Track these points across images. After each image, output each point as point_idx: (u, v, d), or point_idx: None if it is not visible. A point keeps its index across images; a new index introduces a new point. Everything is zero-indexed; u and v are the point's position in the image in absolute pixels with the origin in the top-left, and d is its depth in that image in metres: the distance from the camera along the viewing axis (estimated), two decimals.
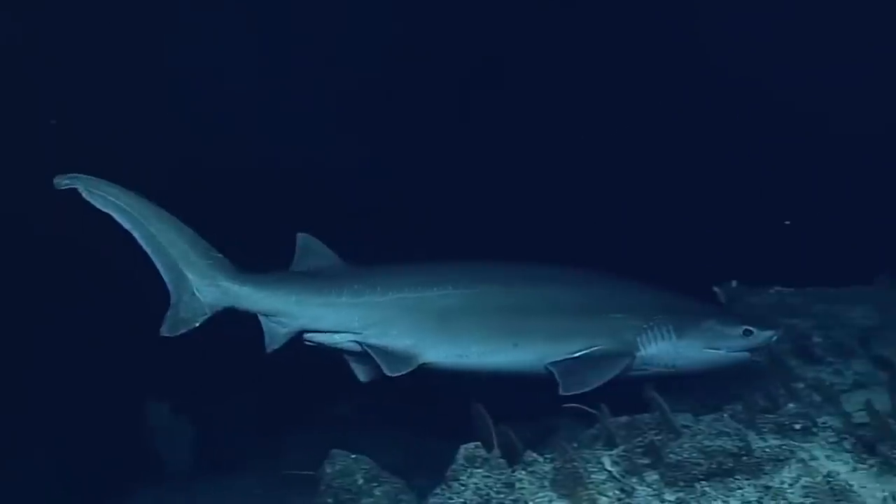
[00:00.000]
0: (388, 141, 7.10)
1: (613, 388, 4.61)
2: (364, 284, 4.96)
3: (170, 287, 4.91)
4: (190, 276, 4.87)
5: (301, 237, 5.16)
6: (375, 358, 4.84)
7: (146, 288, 5.02)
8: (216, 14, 6.90)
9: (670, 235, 6.70)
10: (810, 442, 3.80)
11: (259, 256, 5.09)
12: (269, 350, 4.94)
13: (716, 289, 5.75)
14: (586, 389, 4.51)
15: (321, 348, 5.05)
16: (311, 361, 5.19)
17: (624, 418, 4.06)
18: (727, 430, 3.74)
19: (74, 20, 6.68)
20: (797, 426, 3.87)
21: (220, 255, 4.94)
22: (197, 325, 4.84)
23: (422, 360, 4.85)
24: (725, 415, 4.05)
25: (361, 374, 5.11)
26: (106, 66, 6.70)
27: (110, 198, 4.81)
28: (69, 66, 6.65)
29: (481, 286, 4.99)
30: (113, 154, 5.88)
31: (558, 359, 4.76)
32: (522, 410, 4.88)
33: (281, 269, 5.13)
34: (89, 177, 4.81)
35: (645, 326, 4.80)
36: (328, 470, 4.23)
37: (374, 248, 5.28)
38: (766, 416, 4.00)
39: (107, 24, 6.72)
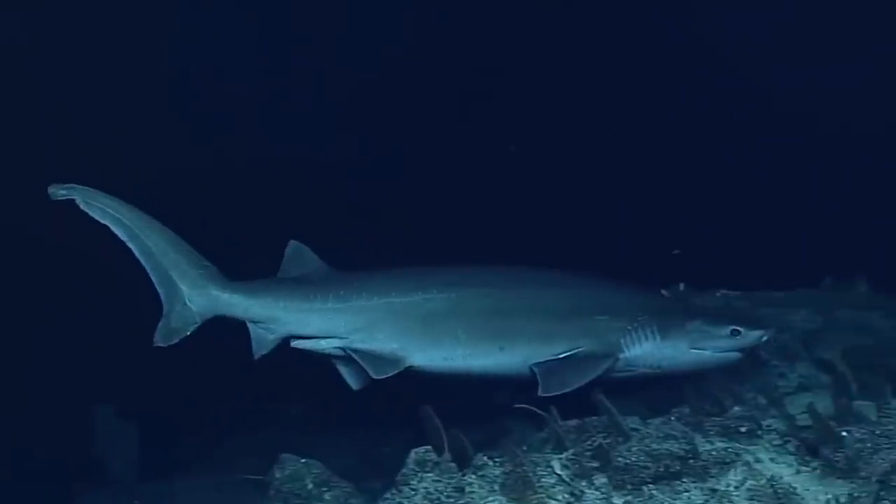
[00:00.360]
0: (387, 141, 7.08)
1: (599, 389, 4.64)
2: (350, 290, 5.04)
3: (162, 298, 4.99)
4: (182, 286, 4.95)
5: (291, 245, 5.23)
6: (360, 362, 4.90)
7: (90, 292, 4.96)
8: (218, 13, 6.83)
9: (620, 239, 6.75)
10: (755, 445, 3.86)
11: (265, 257, 5.22)
12: (256, 356, 5.02)
13: (663, 292, 5.79)
14: (567, 390, 4.56)
15: (308, 353, 5.10)
16: (265, 363, 5.16)
17: (574, 421, 4.08)
18: (674, 433, 3.79)
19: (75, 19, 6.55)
20: (743, 429, 3.93)
21: (209, 265, 5.02)
22: (188, 333, 4.93)
23: (408, 364, 4.91)
24: (673, 418, 4.10)
25: (353, 381, 5.17)
26: (106, 66, 6.59)
27: (108, 210, 4.87)
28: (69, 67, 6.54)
29: (466, 290, 5.04)
30: (115, 155, 5.86)
31: (542, 360, 4.81)
32: (475, 413, 4.91)
33: (268, 277, 5.19)
34: (87, 188, 4.85)
35: (629, 328, 4.84)
36: (277, 475, 4.22)
37: (376, 250, 5.38)
38: (713, 418, 4.05)
39: (106, 23, 6.61)
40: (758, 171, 7.14)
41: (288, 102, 6.97)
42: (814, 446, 3.75)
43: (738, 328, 4.79)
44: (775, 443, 3.85)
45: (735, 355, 4.89)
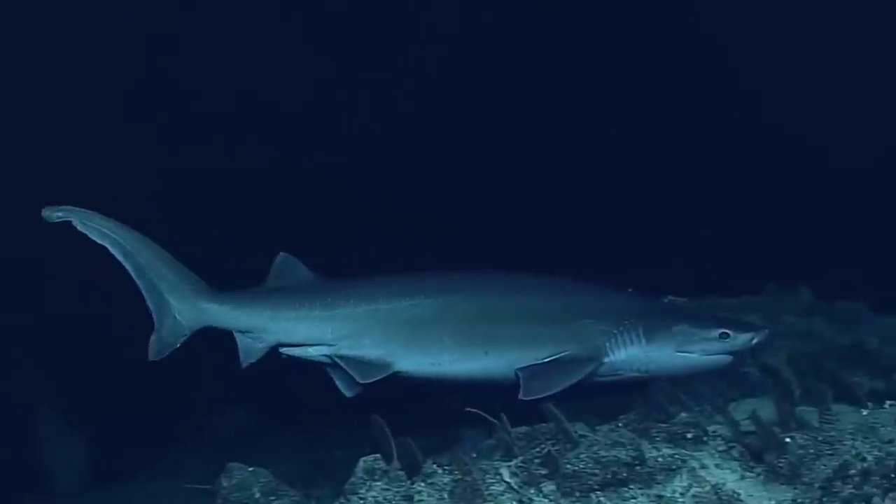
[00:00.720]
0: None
1: (586, 394, 4.78)
2: (336, 297, 5.09)
3: (154, 314, 5.05)
4: (171, 300, 5.02)
5: (280, 256, 5.28)
6: (346, 368, 4.95)
7: (36, 297, 4.88)
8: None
9: (569, 243, 6.79)
10: (701, 451, 3.89)
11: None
12: (244, 365, 5.07)
13: (666, 298, 5.82)
14: (548, 394, 4.57)
15: (297, 361, 5.15)
16: (215, 371, 5.12)
17: (523, 428, 4.09)
18: (622, 440, 3.81)
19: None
20: (689, 435, 3.97)
21: (197, 278, 5.10)
22: (178, 345, 5.01)
23: (394, 369, 4.95)
24: (620, 424, 4.13)
25: (346, 388, 5.16)
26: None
27: (105, 231, 4.93)
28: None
29: (452, 295, 5.08)
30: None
31: (526, 364, 4.84)
32: (428, 419, 4.91)
33: (255, 287, 5.26)
34: (83, 209, 4.89)
35: (614, 331, 4.85)
36: (224, 483, 4.15)
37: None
38: (660, 425, 4.09)
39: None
40: (706, 178, 7.22)
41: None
42: (758, 452, 3.80)
43: (727, 331, 4.80)
44: (720, 449, 3.89)
45: (725, 358, 4.89)
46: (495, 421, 4.16)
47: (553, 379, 4.70)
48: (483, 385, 5.01)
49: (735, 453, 3.86)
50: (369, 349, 4.98)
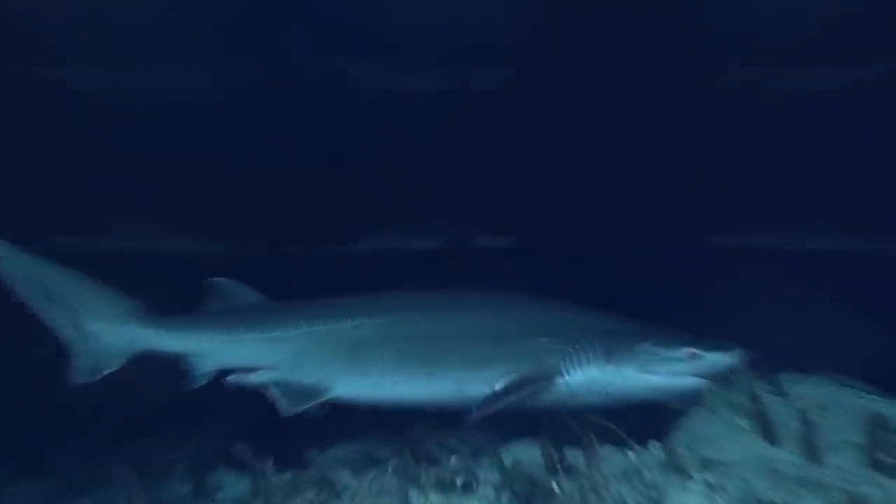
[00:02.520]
0: None
1: (544, 419, 4.43)
2: (275, 319, 4.95)
3: (69, 340, 4.89)
4: (95, 325, 4.87)
5: (215, 281, 5.20)
6: (278, 398, 4.72)
7: None
8: None
9: None
10: (471, 498, 3.76)
11: None
12: (189, 389, 4.88)
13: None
14: (496, 409, 4.36)
15: (242, 386, 4.92)
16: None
17: (288, 474, 3.84)
18: (388, 488, 3.64)
19: None
20: (458, 481, 3.83)
21: (129, 302, 4.95)
22: (113, 369, 4.86)
23: (334, 394, 4.73)
24: (389, 469, 3.94)
25: (283, 408, 4.75)
26: None
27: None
28: None
29: (395, 315, 4.90)
30: None
31: (474, 384, 4.57)
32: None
33: (194, 311, 5.16)
34: None
35: (570, 350, 4.54)
36: None
37: None
38: (430, 470, 3.93)
39: None
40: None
41: None
42: (527, 498, 3.71)
43: (696, 350, 4.41)
44: (490, 497, 3.77)
45: (696, 381, 4.46)
46: (258, 466, 3.87)
47: (505, 399, 4.42)
48: (427, 407, 4.75)
49: (504, 500, 3.75)
50: (310, 372, 4.80)
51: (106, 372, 4.87)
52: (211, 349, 4.92)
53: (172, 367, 4.95)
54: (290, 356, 4.86)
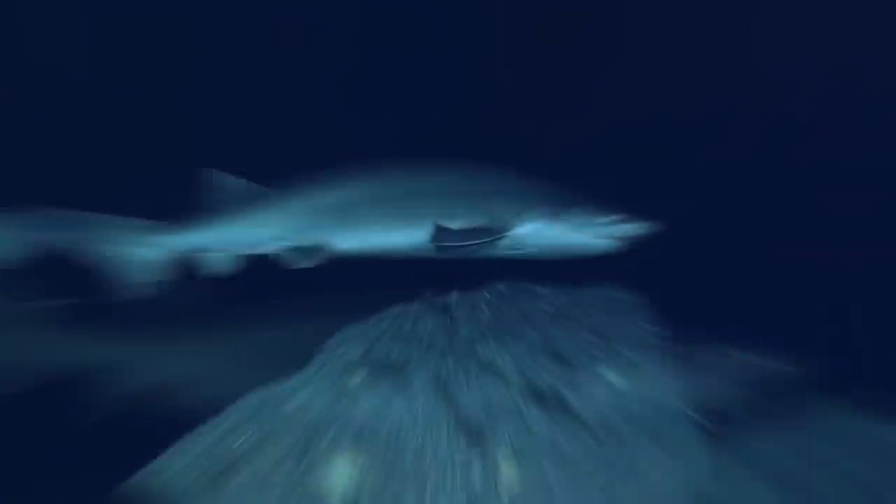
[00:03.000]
0: None
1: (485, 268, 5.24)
2: (273, 198, 5.42)
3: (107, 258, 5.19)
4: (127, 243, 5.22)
5: (210, 173, 5.45)
6: (285, 257, 5.27)
7: None
8: None
9: None
10: None
11: None
12: (223, 277, 5.35)
13: None
14: (457, 245, 5.09)
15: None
16: None
17: None
18: None
19: None
20: None
21: (147, 222, 5.26)
22: (156, 279, 5.25)
23: (334, 248, 5.29)
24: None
25: (295, 261, 5.36)
26: None
27: None
28: None
29: (377, 178, 5.41)
30: None
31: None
32: None
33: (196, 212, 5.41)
34: None
35: (520, 209, 5.21)
36: None
37: None
38: None
39: None
40: None
41: None
42: None
43: (621, 216, 5.16)
44: None
45: (612, 243, 5.24)
46: None
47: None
48: (406, 256, 5.34)
49: None
50: (311, 236, 5.30)
51: (152, 283, 5.28)
52: (225, 237, 5.43)
53: None
54: (292, 226, 5.40)
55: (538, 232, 5.21)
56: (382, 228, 5.28)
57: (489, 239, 5.13)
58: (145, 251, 5.24)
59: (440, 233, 5.14)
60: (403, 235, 5.27)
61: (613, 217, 5.17)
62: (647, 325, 4.92)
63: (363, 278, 5.33)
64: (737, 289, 5.73)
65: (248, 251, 5.40)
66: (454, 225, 5.19)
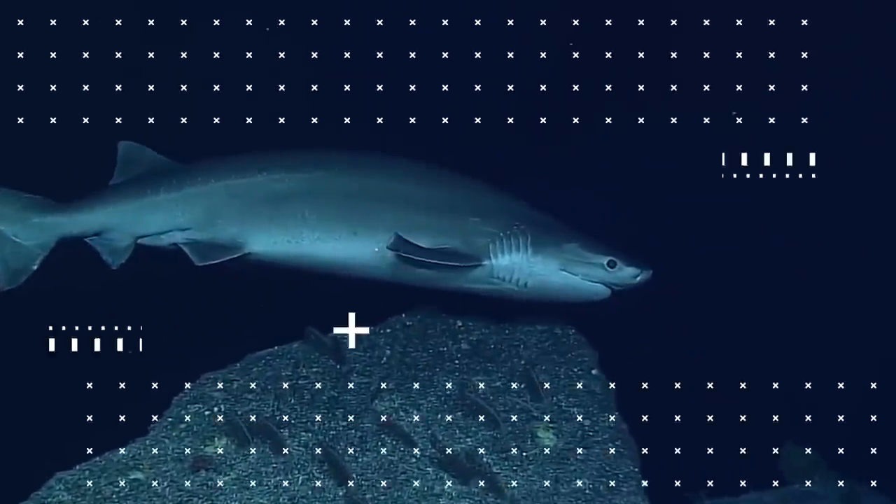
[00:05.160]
0: None
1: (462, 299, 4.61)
2: (184, 177, 4.81)
3: None
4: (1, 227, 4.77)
5: (122, 145, 4.96)
6: (188, 252, 4.67)
7: None
8: None
9: None
10: None
11: None
12: (115, 266, 4.74)
13: None
14: (416, 259, 4.41)
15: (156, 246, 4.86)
16: None
17: None
18: None
19: None
20: None
21: (28, 196, 4.76)
22: (36, 267, 4.73)
23: (248, 249, 4.67)
24: None
25: (196, 256, 4.75)
26: None
27: None
28: None
29: (320, 171, 4.81)
30: None
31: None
32: None
33: (99, 187, 4.97)
34: None
35: (500, 234, 4.58)
36: None
37: None
38: None
39: None
40: None
41: None
42: None
43: (616, 260, 4.50)
44: None
45: (604, 290, 4.57)
46: None
47: (427, 255, 4.46)
48: (345, 270, 4.71)
49: None
50: (222, 228, 4.73)
51: (30, 273, 4.73)
52: (122, 220, 4.81)
53: None
54: (203, 214, 4.78)
55: (520, 265, 4.54)
56: (313, 233, 4.63)
57: (456, 265, 4.49)
58: (23, 232, 4.76)
59: (394, 248, 4.45)
60: (341, 246, 4.60)
61: (612, 259, 4.53)
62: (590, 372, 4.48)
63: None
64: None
65: (147, 241, 4.84)
66: (414, 240, 4.52)
